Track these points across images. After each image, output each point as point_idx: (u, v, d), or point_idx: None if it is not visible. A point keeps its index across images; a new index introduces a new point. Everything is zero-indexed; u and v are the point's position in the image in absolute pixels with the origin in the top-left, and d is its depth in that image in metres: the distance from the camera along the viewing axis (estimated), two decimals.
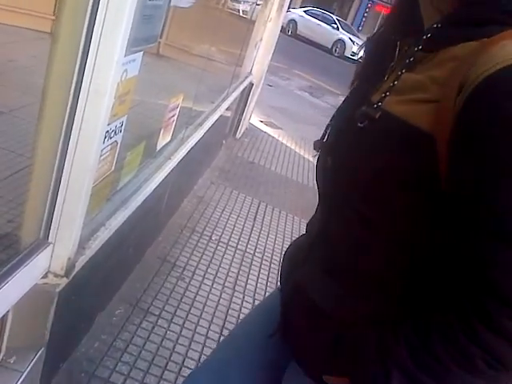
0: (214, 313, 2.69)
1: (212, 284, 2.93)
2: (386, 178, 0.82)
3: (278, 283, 1.20)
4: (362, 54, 1.14)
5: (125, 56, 1.29)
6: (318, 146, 1.04)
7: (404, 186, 0.81)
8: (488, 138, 0.71)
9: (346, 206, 0.91)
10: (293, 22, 21.51)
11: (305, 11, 22.48)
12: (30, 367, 1.56)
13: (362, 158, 0.86)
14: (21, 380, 1.52)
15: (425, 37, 0.84)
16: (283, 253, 1.22)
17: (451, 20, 0.83)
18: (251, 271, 3.21)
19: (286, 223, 4.11)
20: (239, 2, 5.10)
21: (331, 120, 1.04)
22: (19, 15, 5.50)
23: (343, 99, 1.06)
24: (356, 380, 0.87)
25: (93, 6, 1.16)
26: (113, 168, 1.64)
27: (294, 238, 1.22)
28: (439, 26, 0.84)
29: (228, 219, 3.77)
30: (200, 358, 2.34)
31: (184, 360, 2.29)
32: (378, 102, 0.85)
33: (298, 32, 21.49)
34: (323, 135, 1.04)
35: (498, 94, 0.70)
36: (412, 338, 0.79)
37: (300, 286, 1.02)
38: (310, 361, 0.99)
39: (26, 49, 4.97)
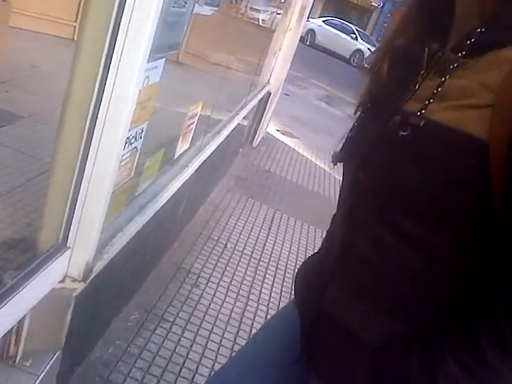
0: (228, 321, 2.69)
1: (226, 292, 2.93)
2: (430, 187, 0.78)
3: (293, 298, 1.17)
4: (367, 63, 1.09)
5: (147, 62, 1.30)
6: (338, 159, 1.00)
7: (450, 196, 0.77)
8: None
9: (380, 221, 0.87)
10: (311, 31, 21.56)
11: (324, 21, 22.52)
12: (45, 370, 1.56)
13: (404, 169, 0.82)
14: (37, 383, 1.53)
15: (469, 42, 0.81)
16: (297, 262, 1.20)
17: (496, 23, 0.80)
18: (266, 280, 3.20)
19: (301, 232, 4.10)
20: (259, 12, 5.13)
21: (351, 131, 1.01)
22: (42, 21, 5.59)
23: (362, 111, 1.02)
24: None
25: (117, 12, 1.16)
26: (132, 174, 1.65)
27: (308, 248, 1.21)
28: (483, 30, 0.80)
29: (243, 227, 3.77)
30: (214, 365, 2.33)
31: (198, 367, 2.29)
32: (421, 110, 0.82)
33: (316, 42, 21.53)
34: (342, 147, 1.00)
35: None
36: (460, 349, 0.76)
37: (328, 312, 0.98)
38: None
39: (48, 55, 5.04)
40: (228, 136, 3.39)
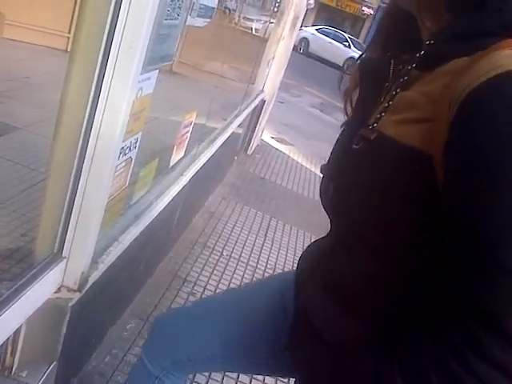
0: None
1: None
2: (383, 201, 0.80)
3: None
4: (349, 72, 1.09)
5: (141, 74, 1.31)
6: (323, 169, 1.03)
7: (403, 208, 0.78)
8: (473, 150, 0.68)
9: (348, 231, 0.91)
10: (305, 40, 21.66)
11: (317, 29, 22.63)
12: (41, 381, 1.57)
13: (359, 181, 0.84)
14: None
15: (418, 54, 0.82)
16: (294, 269, 1.22)
17: (443, 36, 0.81)
18: None
19: (298, 239, 4.11)
20: (252, 21, 5.15)
21: (335, 144, 1.03)
22: (35, 33, 5.60)
23: (345, 123, 1.05)
24: None
25: (110, 25, 1.18)
26: (127, 184, 1.66)
27: None
28: (432, 42, 0.81)
29: (239, 235, 3.78)
30: (210, 373, 2.34)
31: (195, 375, 2.29)
32: (374, 123, 0.83)
33: (309, 50, 21.62)
34: (328, 160, 1.02)
35: (482, 107, 0.68)
36: (406, 365, 0.76)
37: (303, 310, 1.01)
38: None
39: (41, 66, 5.06)
40: (223, 144, 3.40)
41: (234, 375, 2.37)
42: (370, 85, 0.95)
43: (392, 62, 0.90)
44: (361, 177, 0.84)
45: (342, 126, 1.06)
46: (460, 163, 0.70)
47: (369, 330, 0.89)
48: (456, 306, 0.72)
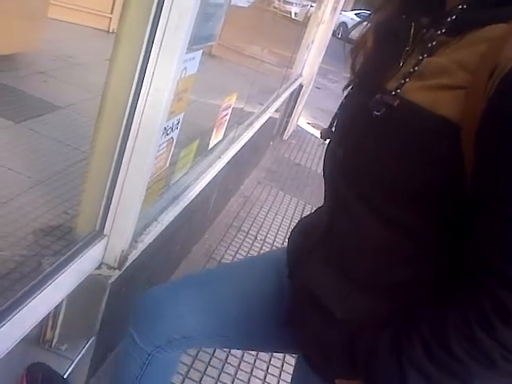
0: None
1: None
2: (404, 168, 0.78)
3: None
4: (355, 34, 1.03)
5: (186, 53, 1.31)
6: (326, 135, 0.99)
7: (424, 177, 0.76)
8: None
9: (356, 199, 0.87)
10: (343, 24, 21.37)
11: (356, 14, 22.31)
12: (80, 355, 1.60)
13: (379, 149, 0.81)
14: (71, 367, 1.57)
15: (449, 19, 0.78)
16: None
17: (478, 1, 0.77)
18: None
19: None
20: (292, 4, 5.11)
21: (339, 108, 0.99)
22: (78, 13, 5.67)
23: (351, 87, 1.00)
24: (370, 383, 0.85)
25: (157, 4, 1.18)
26: (167, 164, 1.67)
27: None
28: (465, 7, 0.77)
29: (273, 220, 3.78)
30: (242, 357, 2.35)
31: (227, 357, 2.31)
32: (397, 89, 0.80)
33: (348, 35, 21.35)
34: (331, 124, 0.98)
35: None
36: (427, 336, 0.76)
37: (308, 284, 0.98)
38: (320, 364, 0.97)
39: (84, 46, 5.12)
40: (259, 128, 3.40)
41: (239, 354, 2.38)
42: (386, 48, 0.91)
43: (413, 25, 0.85)
44: (382, 144, 0.81)
45: (345, 88, 1.01)
46: (502, 134, 0.68)
47: (383, 305, 0.88)
48: (484, 278, 0.72)
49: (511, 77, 0.66)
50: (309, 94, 6.20)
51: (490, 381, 0.79)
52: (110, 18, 5.78)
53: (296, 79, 5.19)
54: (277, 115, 4.79)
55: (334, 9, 5.50)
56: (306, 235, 1.07)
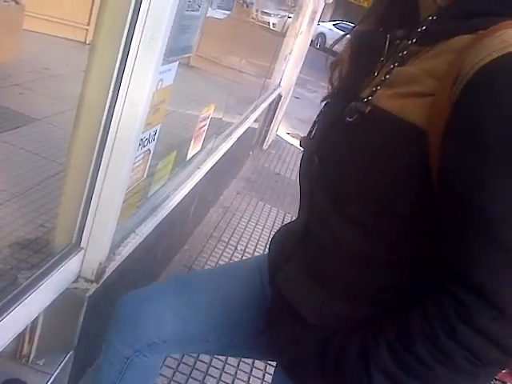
0: None
1: None
2: (375, 174, 0.80)
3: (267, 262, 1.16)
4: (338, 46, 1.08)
5: (161, 65, 1.31)
6: (305, 143, 1.01)
7: (394, 182, 0.78)
8: (483, 128, 0.68)
9: (330, 205, 0.88)
10: (322, 35, 21.55)
11: (334, 24, 22.51)
12: (58, 370, 1.58)
13: (351, 156, 0.83)
14: (49, 382, 1.54)
15: (419, 30, 0.81)
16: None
17: (447, 13, 0.80)
18: None
19: None
20: (270, 15, 5.14)
21: (318, 117, 1.02)
22: (54, 24, 5.64)
23: (330, 96, 1.03)
24: None
25: (132, 16, 1.18)
26: (144, 176, 1.67)
27: None
28: (435, 18, 0.80)
29: (254, 229, 3.78)
30: (226, 360, 2.34)
31: (211, 360, 2.30)
32: (369, 96, 0.83)
33: (326, 45, 21.51)
34: (310, 132, 1.01)
35: (493, 84, 0.68)
36: (393, 340, 0.78)
37: (282, 290, 1.00)
38: (294, 369, 0.98)
39: (60, 57, 5.09)
40: (239, 139, 3.40)
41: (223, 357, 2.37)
42: (363, 58, 0.94)
43: (388, 36, 0.89)
44: (353, 150, 0.83)
45: (323, 100, 1.04)
46: (465, 139, 0.70)
47: (356, 311, 0.89)
48: (447, 280, 0.73)
49: (472, 84, 0.69)
50: (288, 104, 6.23)
51: None
52: (87, 30, 5.75)
53: (275, 89, 5.22)
54: (256, 125, 4.80)
55: (312, 20, 5.54)
56: (285, 242, 1.09)
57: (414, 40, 0.82)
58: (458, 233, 0.73)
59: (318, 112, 1.05)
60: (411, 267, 0.83)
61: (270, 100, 4.88)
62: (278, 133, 6.45)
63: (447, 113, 0.71)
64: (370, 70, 0.89)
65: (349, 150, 0.84)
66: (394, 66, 0.83)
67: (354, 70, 0.97)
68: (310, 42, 6.01)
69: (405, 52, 0.82)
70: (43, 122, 3.57)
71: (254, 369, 2.39)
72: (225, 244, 3.41)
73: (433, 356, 0.73)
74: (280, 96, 5.54)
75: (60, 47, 5.49)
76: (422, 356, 0.74)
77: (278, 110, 5.68)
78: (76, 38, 5.63)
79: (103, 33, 1.23)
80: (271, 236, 1.21)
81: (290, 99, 6.32)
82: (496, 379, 0.85)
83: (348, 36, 1.03)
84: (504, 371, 0.88)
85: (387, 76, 0.83)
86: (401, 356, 0.76)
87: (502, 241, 0.69)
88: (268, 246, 1.19)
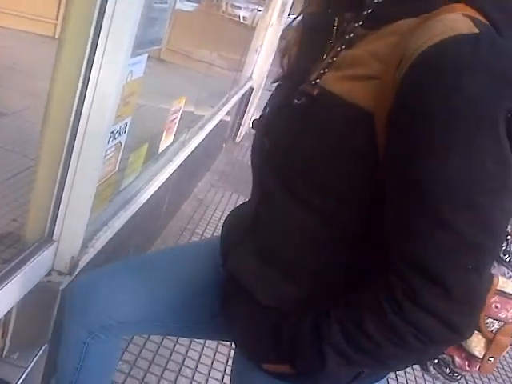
0: None
1: None
2: (324, 157, 0.81)
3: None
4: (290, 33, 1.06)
5: (130, 57, 1.31)
6: (256, 125, 1.02)
7: (342, 165, 0.80)
8: (422, 112, 0.70)
9: (280, 188, 0.89)
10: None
11: None
12: (32, 363, 1.58)
13: (299, 136, 0.84)
14: (24, 376, 1.54)
15: (365, 12, 0.81)
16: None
17: None
18: None
19: None
20: (240, 8, 5.15)
21: (269, 100, 1.02)
22: (22, 19, 5.56)
23: (281, 79, 1.03)
24: (295, 366, 0.89)
25: (100, 9, 1.18)
26: (116, 169, 1.67)
27: None
28: (380, 1, 0.80)
29: None
30: (199, 357, 2.36)
31: (184, 360, 2.31)
32: (316, 79, 0.83)
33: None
34: (261, 115, 1.01)
35: (434, 67, 0.69)
36: (344, 319, 0.80)
37: (234, 274, 1.02)
38: (250, 350, 1.00)
39: (28, 52, 5.02)
40: (211, 131, 3.41)
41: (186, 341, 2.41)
42: (312, 41, 0.94)
43: (336, 19, 0.88)
44: (301, 132, 0.84)
45: (274, 82, 1.05)
46: (407, 120, 0.72)
47: (306, 291, 0.91)
48: (393, 259, 0.76)
49: (414, 67, 0.70)
50: (260, 96, 6.24)
51: (406, 360, 0.84)
52: (56, 24, 5.67)
53: (246, 82, 5.22)
54: (228, 118, 4.81)
55: (282, 12, 5.55)
56: (236, 226, 1.10)
57: (361, 23, 0.82)
58: (400, 211, 0.75)
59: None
60: (361, 246, 0.85)
61: (241, 93, 4.88)
62: (250, 125, 6.45)
63: (391, 95, 0.72)
64: (319, 53, 0.89)
65: (297, 132, 0.85)
66: (341, 49, 0.83)
67: (303, 53, 0.97)
68: (280, 34, 6.02)
69: (351, 35, 0.82)
70: (13, 116, 3.53)
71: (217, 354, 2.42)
72: (199, 236, 3.42)
73: (381, 333, 0.76)
74: (252, 89, 5.55)
75: (28, 42, 5.42)
76: (371, 333, 0.76)
77: (250, 102, 5.69)
78: (45, 33, 5.55)
79: (71, 27, 1.23)
80: None
81: (262, 92, 6.33)
82: (443, 353, 0.88)
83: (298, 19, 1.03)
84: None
85: (334, 58, 0.83)
86: (352, 334, 0.79)
87: (442, 219, 0.70)
88: (221, 229, 1.19)
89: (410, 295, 0.73)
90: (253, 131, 1.04)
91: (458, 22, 0.70)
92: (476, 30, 0.69)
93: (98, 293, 1.23)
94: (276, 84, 1.04)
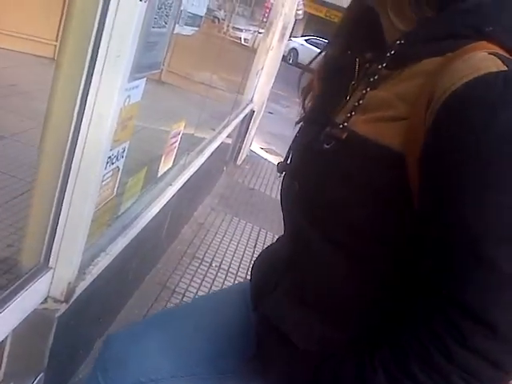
0: None
1: None
2: (356, 200, 0.81)
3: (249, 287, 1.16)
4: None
5: (128, 82, 1.30)
6: (282, 168, 1.02)
7: (374, 207, 0.80)
8: (455, 152, 0.70)
9: (314, 231, 0.89)
10: (294, 50, 21.76)
11: (306, 40, 22.75)
12: None
13: (329, 179, 0.84)
14: None
15: (388, 54, 0.82)
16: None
17: (415, 37, 0.82)
18: None
19: None
20: (241, 31, 5.17)
21: (293, 142, 1.02)
22: (21, 40, 5.59)
23: (303, 119, 1.04)
24: None
25: (97, 33, 1.17)
26: (114, 193, 1.65)
27: None
28: (402, 42, 0.82)
29: (228, 246, 3.76)
30: None
31: None
32: (344, 122, 0.84)
33: (299, 60, 21.70)
34: (286, 157, 1.01)
35: (463, 109, 0.69)
36: (389, 363, 0.77)
37: (270, 319, 0.99)
38: None
39: (28, 74, 5.04)
40: (212, 154, 3.40)
41: None
42: (333, 83, 0.96)
43: (357, 60, 0.90)
44: (332, 175, 0.84)
45: (297, 123, 1.05)
46: (442, 159, 0.71)
47: (344, 334, 0.89)
48: (437, 301, 0.74)
49: (445, 109, 0.70)
50: (261, 119, 6.26)
51: None
52: (55, 46, 5.68)
53: (247, 105, 5.23)
54: (229, 141, 4.81)
55: (282, 35, 5.59)
56: (269, 269, 1.08)
57: (384, 64, 0.83)
58: (441, 252, 0.73)
59: (290, 127, 1.06)
60: (397, 287, 0.83)
61: (242, 115, 4.89)
62: (251, 148, 6.46)
63: (422, 135, 0.72)
64: (341, 94, 0.90)
65: (328, 176, 0.85)
66: (367, 91, 0.84)
67: (324, 94, 0.98)
68: (281, 57, 6.06)
69: (375, 76, 0.83)
70: (11, 139, 3.52)
71: None
72: (199, 261, 3.39)
73: (429, 377, 0.73)
74: (253, 111, 5.56)
75: (28, 63, 5.44)
76: (417, 377, 0.73)
77: (251, 125, 5.70)
78: (44, 54, 5.57)
79: (68, 50, 1.22)
80: (246, 252, 1.21)
81: (263, 114, 6.35)
82: None
83: (320, 57, 1.05)
84: None
85: (360, 101, 0.84)
86: (398, 379, 0.75)
87: (486, 258, 0.69)
88: (250, 273, 1.19)
89: (458, 338, 0.71)
90: (278, 174, 1.03)
91: (485, 61, 0.71)
92: (504, 68, 0.70)
93: (129, 352, 1.21)
94: (299, 125, 1.04)
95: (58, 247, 1.40)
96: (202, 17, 2.05)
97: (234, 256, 3.63)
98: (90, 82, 1.21)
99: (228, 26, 4.29)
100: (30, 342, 1.54)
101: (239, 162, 5.80)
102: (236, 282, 3.29)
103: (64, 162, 1.30)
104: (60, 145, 1.28)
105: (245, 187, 5.23)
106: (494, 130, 0.68)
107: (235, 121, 4.42)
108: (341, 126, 0.84)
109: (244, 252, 3.75)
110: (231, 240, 3.88)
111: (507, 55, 0.73)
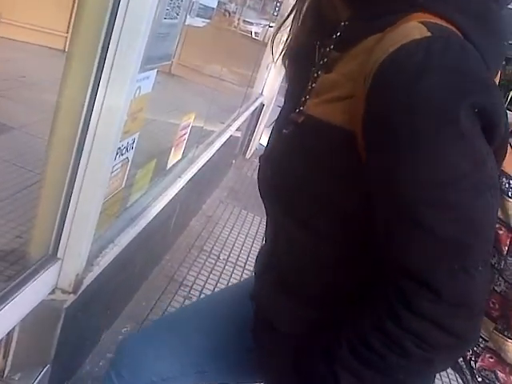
0: None
1: None
2: (317, 180, 0.82)
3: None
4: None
5: (139, 73, 1.29)
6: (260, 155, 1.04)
7: (334, 185, 0.81)
8: (384, 121, 0.71)
9: (285, 216, 0.91)
10: None
11: None
12: None
13: (291, 163, 0.86)
14: None
15: (334, 36, 0.84)
16: None
17: (357, 17, 0.83)
18: None
19: None
20: (252, 24, 5.16)
21: (271, 130, 1.04)
22: (32, 32, 5.60)
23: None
24: None
25: (109, 24, 1.16)
26: (123, 185, 1.64)
27: None
28: (347, 23, 0.83)
29: (236, 239, 3.76)
30: None
31: None
32: (300, 107, 0.86)
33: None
34: (265, 146, 1.03)
35: (389, 76, 0.70)
36: (351, 336, 0.79)
37: (258, 305, 1.05)
38: (274, 379, 1.01)
39: (38, 65, 5.05)
40: (221, 147, 3.39)
41: None
42: (298, 70, 0.97)
43: (317, 46, 0.90)
44: (293, 159, 0.86)
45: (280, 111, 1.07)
46: (375, 133, 0.73)
47: (321, 314, 0.91)
48: (389, 270, 0.76)
49: (376, 77, 0.71)
50: (270, 112, 6.23)
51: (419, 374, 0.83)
52: (66, 37, 5.68)
53: (257, 98, 5.22)
54: (239, 134, 4.79)
55: None
56: (262, 257, 1.11)
57: (332, 46, 0.84)
58: (386, 220, 0.75)
59: None
60: (365, 264, 0.85)
61: (252, 109, 4.87)
62: (261, 141, 6.45)
63: (362, 109, 0.74)
64: (306, 81, 0.91)
65: (290, 159, 0.87)
66: (318, 75, 0.86)
67: (292, 83, 1.00)
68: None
69: (325, 59, 0.85)
70: (20, 130, 3.53)
71: None
72: (207, 254, 3.38)
73: (384, 344, 0.75)
74: (262, 105, 5.54)
75: (38, 55, 5.45)
76: (375, 347, 0.76)
77: (260, 118, 5.68)
78: (55, 46, 5.57)
79: (79, 41, 1.22)
80: (254, 245, 1.23)
81: (273, 108, 6.33)
82: (485, 369, 0.86)
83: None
84: (492, 360, 0.89)
85: (313, 85, 0.86)
86: (359, 351, 0.78)
87: (420, 221, 0.71)
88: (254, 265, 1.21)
89: (405, 303, 0.73)
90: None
91: (412, 29, 0.71)
92: (428, 34, 0.70)
93: (141, 353, 1.25)
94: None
95: (66, 238, 1.40)
96: (213, 8, 2.04)
97: (242, 249, 3.62)
98: (101, 73, 1.21)
99: (239, 19, 4.28)
100: (38, 332, 1.54)
101: (248, 155, 5.79)
102: (244, 275, 3.28)
103: (74, 153, 1.29)
104: (70, 136, 1.28)
105: (254, 180, 5.21)
106: (414, 95, 0.68)
107: (245, 114, 4.41)
108: (297, 110, 0.86)
109: (252, 245, 3.74)
110: (239, 233, 3.87)
111: (442, 22, 0.73)
